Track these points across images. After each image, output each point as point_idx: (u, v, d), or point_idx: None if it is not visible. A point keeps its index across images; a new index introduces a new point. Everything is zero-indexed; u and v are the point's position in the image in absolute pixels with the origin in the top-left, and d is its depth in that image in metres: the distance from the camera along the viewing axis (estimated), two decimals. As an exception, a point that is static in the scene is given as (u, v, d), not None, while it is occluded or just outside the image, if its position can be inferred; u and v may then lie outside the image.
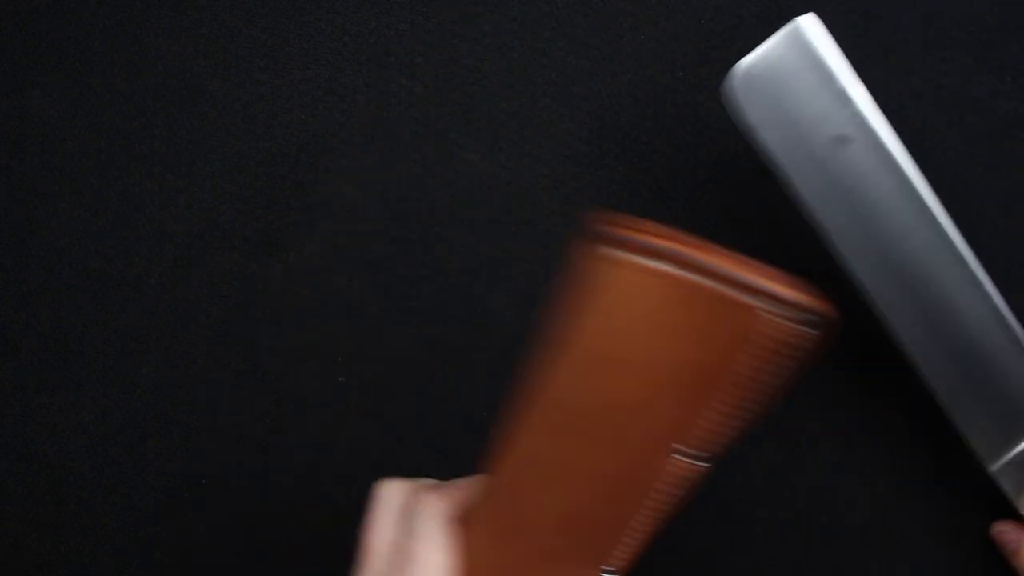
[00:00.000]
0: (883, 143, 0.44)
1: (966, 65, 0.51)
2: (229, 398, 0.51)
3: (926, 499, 0.50)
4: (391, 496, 0.36)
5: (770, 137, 0.43)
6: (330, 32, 0.51)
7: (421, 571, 0.34)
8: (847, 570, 0.51)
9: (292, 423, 0.51)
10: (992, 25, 0.51)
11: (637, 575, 0.51)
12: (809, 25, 0.42)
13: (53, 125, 0.50)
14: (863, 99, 0.43)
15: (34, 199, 0.50)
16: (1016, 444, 0.45)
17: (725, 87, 0.42)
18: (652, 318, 0.31)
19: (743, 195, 0.50)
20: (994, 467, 0.45)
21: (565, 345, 0.32)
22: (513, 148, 0.51)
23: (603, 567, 0.35)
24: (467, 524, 0.35)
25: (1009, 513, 0.47)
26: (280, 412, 0.51)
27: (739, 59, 0.51)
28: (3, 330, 0.50)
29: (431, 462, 0.50)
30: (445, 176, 0.51)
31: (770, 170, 0.43)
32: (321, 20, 0.51)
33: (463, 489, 0.36)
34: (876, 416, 0.50)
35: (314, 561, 0.51)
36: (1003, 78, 0.51)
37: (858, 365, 0.50)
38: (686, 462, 0.33)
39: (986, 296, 0.44)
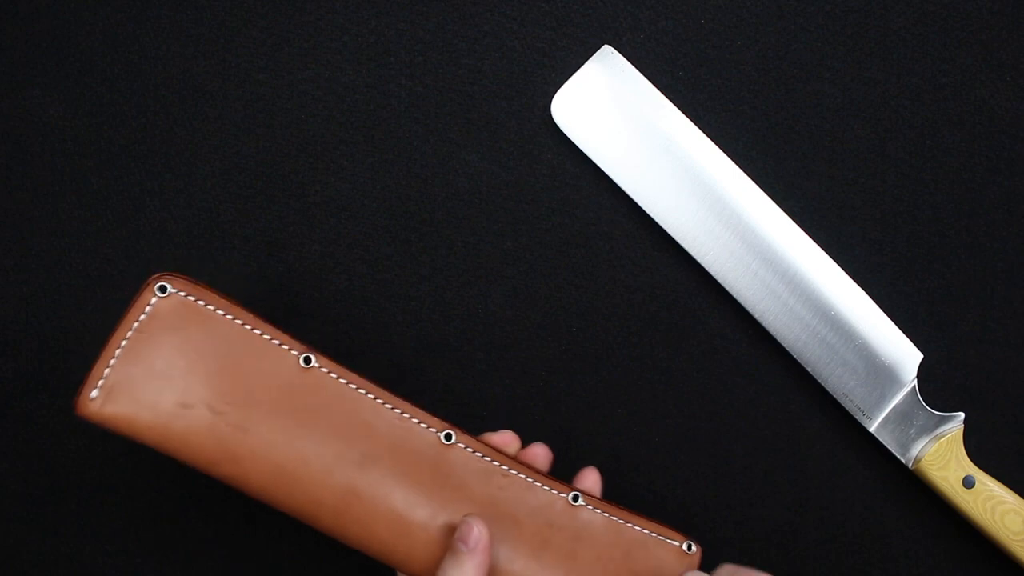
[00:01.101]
0: (698, 142, 0.49)
1: (966, 65, 0.51)
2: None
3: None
4: None
5: (597, 152, 0.50)
6: (330, 32, 0.51)
7: None
8: (846, 570, 0.51)
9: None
10: (992, 25, 0.51)
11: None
12: (608, 55, 0.49)
13: (53, 125, 0.50)
14: (668, 107, 0.49)
15: (34, 199, 0.50)
16: (889, 402, 0.49)
17: (552, 112, 0.49)
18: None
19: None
20: (873, 427, 0.49)
21: None
22: (513, 148, 0.51)
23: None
24: None
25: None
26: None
27: (738, 59, 0.51)
28: (3, 330, 0.50)
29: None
30: (445, 176, 0.51)
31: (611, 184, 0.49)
32: (321, 20, 0.51)
33: None
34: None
35: (314, 561, 0.51)
36: (1003, 78, 0.51)
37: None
38: None
39: (825, 265, 0.49)
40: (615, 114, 0.49)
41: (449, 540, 0.42)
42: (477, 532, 0.41)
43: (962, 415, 0.49)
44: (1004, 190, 0.51)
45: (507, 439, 0.46)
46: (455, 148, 0.51)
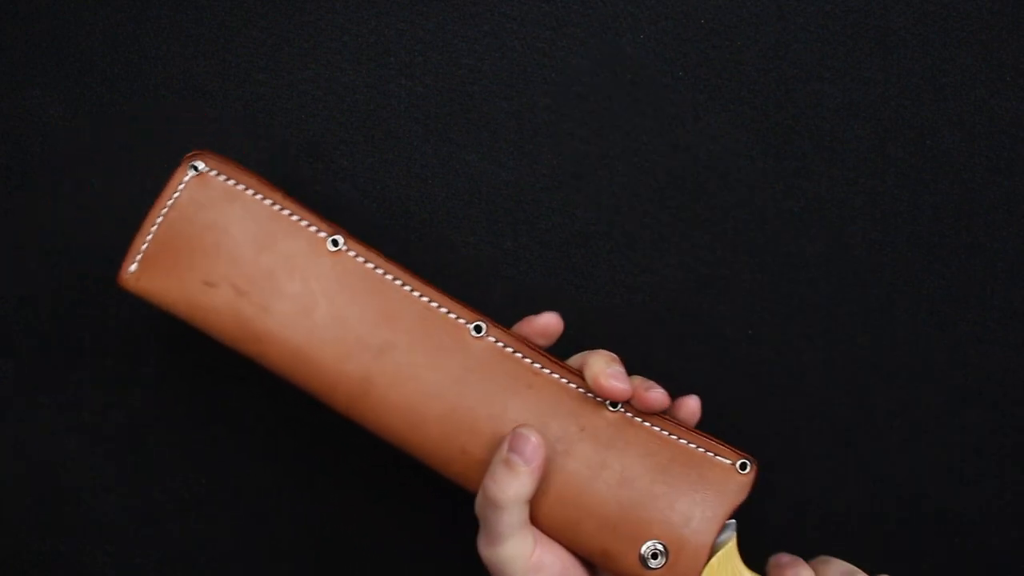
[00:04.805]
0: None
1: (966, 65, 0.51)
2: (229, 398, 0.51)
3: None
4: None
5: None
6: (330, 32, 0.51)
7: None
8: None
9: (292, 423, 0.51)
10: (992, 25, 0.51)
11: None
12: None
13: (53, 125, 0.50)
14: None
15: (34, 199, 0.50)
16: None
17: None
18: None
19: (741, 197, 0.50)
20: None
21: None
22: (513, 148, 0.51)
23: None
24: None
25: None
26: (280, 411, 0.51)
27: (738, 59, 0.51)
28: (3, 330, 0.50)
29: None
30: (445, 176, 0.51)
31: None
32: (321, 20, 0.51)
33: None
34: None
35: (314, 560, 0.51)
36: (1003, 78, 0.51)
37: None
38: None
39: None
40: None
41: (466, 436, 0.39)
42: (535, 443, 0.38)
43: (733, 522, 0.42)
44: (1004, 190, 0.51)
45: (551, 320, 0.43)
46: (455, 148, 0.51)
